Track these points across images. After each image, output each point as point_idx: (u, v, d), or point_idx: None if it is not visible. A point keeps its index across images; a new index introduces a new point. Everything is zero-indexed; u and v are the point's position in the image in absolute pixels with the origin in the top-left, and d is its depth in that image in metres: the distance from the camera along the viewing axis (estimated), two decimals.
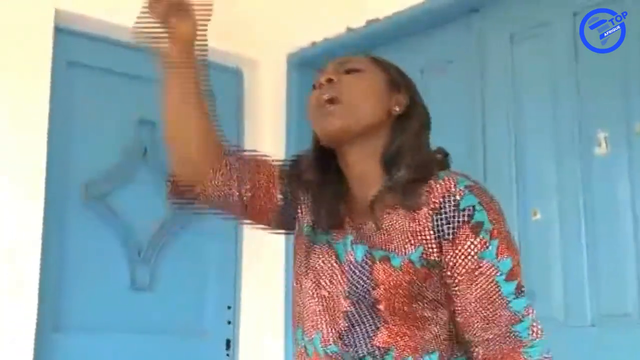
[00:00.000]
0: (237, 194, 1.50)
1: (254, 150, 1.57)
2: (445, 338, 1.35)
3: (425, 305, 1.33)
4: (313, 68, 1.56)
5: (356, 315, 1.34)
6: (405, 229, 1.33)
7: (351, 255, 1.36)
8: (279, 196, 1.52)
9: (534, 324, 1.30)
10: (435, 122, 2.89)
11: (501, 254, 1.29)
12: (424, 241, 1.32)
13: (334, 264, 1.39)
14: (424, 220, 1.32)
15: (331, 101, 1.39)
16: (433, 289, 1.33)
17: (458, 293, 1.31)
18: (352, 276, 1.35)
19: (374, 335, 1.33)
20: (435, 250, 1.32)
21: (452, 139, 2.80)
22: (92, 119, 3.10)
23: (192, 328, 3.23)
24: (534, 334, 1.30)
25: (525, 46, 2.75)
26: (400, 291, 1.31)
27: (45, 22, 2.98)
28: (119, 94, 3.17)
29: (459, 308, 1.32)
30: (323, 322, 1.38)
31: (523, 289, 1.30)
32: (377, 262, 1.32)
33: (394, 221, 1.35)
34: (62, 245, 2.97)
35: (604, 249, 2.43)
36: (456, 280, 1.31)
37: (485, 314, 1.29)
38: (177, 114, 1.46)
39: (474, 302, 1.30)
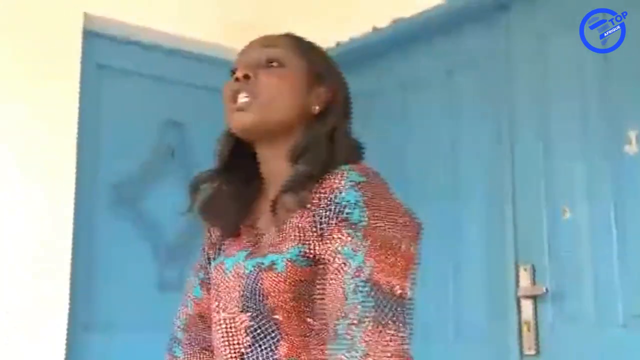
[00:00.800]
0: None
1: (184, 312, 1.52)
2: None
3: (313, 311, 1.24)
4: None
5: (258, 329, 1.26)
6: (294, 228, 1.26)
7: (242, 268, 1.29)
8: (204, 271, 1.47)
9: (364, 333, 1.13)
10: (462, 121, 2.92)
11: (368, 256, 1.17)
12: (305, 238, 1.24)
13: (227, 280, 1.32)
14: (307, 217, 1.25)
15: (244, 97, 1.33)
16: (318, 290, 1.23)
17: (325, 291, 1.21)
18: (244, 288, 1.27)
19: (275, 350, 1.24)
20: (315, 248, 1.23)
21: (479, 138, 2.87)
22: (120, 121, 3.12)
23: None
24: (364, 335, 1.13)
25: (553, 44, 2.71)
26: (290, 295, 1.23)
27: (75, 25, 3.02)
28: (147, 95, 3.20)
29: (326, 305, 1.21)
30: (224, 346, 1.29)
31: (373, 292, 1.15)
32: (264, 270, 1.25)
33: (286, 221, 1.27)
34: (92, 246, 3.00)
35: (635, 248, 2.40)
36: (325, 277, 1.21)
37: (329, 310, 1.20)
38: None
39: (331, 300, 1.19)
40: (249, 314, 1.26)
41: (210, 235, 1.46)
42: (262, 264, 1.25)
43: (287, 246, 1.25)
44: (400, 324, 1.14)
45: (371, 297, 1.14)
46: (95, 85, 3.06)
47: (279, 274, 1.23)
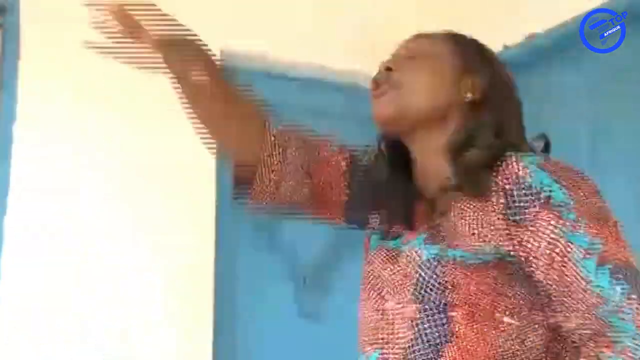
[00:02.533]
0: (299, 180, 1.38)
1: (312, 130, 1.46)
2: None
3: (507, 308, 1.16)
4: None
5: (425, 323, 1.18)
6: (477, 223, 1.19)
7: (419, 254, 1.22)
8: (346, 191, 1.40)
9: (636, 316, 1.08)
10: (605, 137, 2.85)
11: (591, 235, 1.12)
12: (497, 234, 1.17)
13: (400, 270, 1.25)
14: (495, 211, 1.18)
15: (386, 85, 1.30)
16: (513, 285, 1.17)
17: (548, 282, 1.14)
18: (420, 277, 1.19)
19: (441, 351, 1.15)
20: (510, 242, 1.16)
21: (624, 155, 2.83)
22: None
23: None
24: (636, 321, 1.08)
25: None
26: (483, 292, 1.15)
27: None
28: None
29: (551, 298, 1.15)
30: (385, 337, 1.23)
31: (623, 274, 1.10)
32: (452, 261, 1.17)
33: (465, 215, 1.21)
34: (233, 274, 3.08)
35: None
36: (544, 270, 1.14)
37: (566, 300, 1.13)
38: (205, 110, 1.39)
39: (563, 291, 1.12)
40: (419, 305, 1.19)
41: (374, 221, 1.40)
42: (446, 254, 1.19)
43: (475, 241, 1.18)
44: None
45: (622, 278, 1.10)
46: None
47: (473, 268, 1.16)
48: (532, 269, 1.16)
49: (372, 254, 1.33)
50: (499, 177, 1.19)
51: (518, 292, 1.17)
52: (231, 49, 2.97)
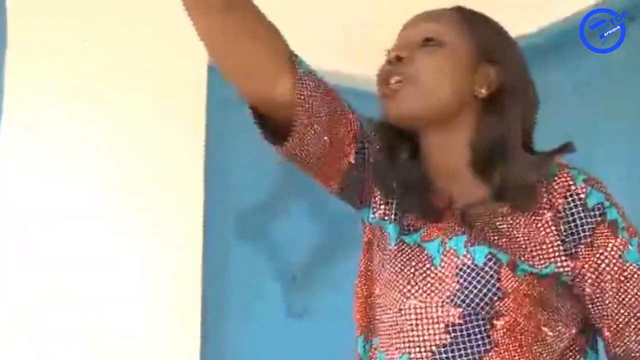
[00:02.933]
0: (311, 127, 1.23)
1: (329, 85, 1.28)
2: None
3: (548, 320, 1.14)
4: None
5: (464, 330, 1.12)
6: (529, 236, 1.15)
7: (467, 258, 1.14)
8: (352, 158, 1.28)
9: None
10: (593, 136, 2.83)
11: (635, 247, 1.14)
12: (554, 253, 1.14)
13: (430, 269, 1.18)
14: (549, 228, 1.14)
15: (398, 82, 1.19)
16: (557, 299, 1.16)
17: (605, 303, 1.13)
18: (465, 282, 1.13)
19: (480, 359, 1.12)
20: (566, 260, 1.14)
21: (611, 154, 2.79)
22: (246, 152, 3.09)
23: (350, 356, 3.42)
24: None
25: None
26: (529, 301, 1.12)
27: (200, 61, 2.92)
28: None
29: (608, 320, 1.14)
30: (412, 339, 1.17)
31: None
32: (503, 266, 1.12)
33: (513, 225, 1.16)
34: (221, 275, 3.06)
35: None
36: (602, 289, 1.13)
37: (630, 321, 1.13)
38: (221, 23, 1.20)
39: (624, 312, 1.13)
40: (463, 310, 1.13)
41: (382, 208, 1.30)
42: (498, 258, 1.13)
43: (530, 255, 1.14)
44: None
45: None
46: (221, 117, 3.06)
47: (523, 279, 1.12)
48: (584, 284, 1.15)
49: (391, 248, 1.23)
50: (549, 194, 1.16)
51: (559, 306, 1.16)
52: None
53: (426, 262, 1.18)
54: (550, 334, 1.14)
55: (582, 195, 1.14)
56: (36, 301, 2.70)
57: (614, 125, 2.83)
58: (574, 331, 1.17)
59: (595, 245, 1.13)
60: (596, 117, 2.91)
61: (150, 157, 2.90)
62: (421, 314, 1.16)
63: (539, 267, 1.13)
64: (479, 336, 1.12)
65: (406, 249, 1.21)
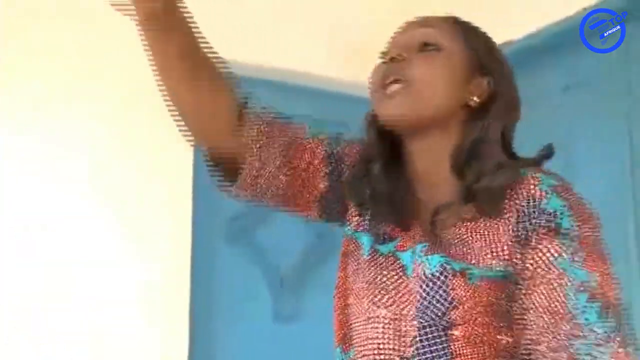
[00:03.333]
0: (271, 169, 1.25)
1: (284, 117, 1.32)
2: None
3: (503, 327, 1.12)
4: None
5: (425, 343, 1.12)
6: (487, 240, 1.14)
7: (423, 266, 1.15)
8: (323, 184, 1.30)
9: (612, 339, 1.05)
10: (580, 140, 2.84)
11: (589, 267, 1.10)
12: (508, 252, 1.13)
13: (402, 278, 1.18)
14: (507, 230, 1.13)
15: (395, 82, 1.19)
16: (510, 305, 1.13)
17: (531, 302, 1.11)
18: (424, 293, 1.13)
19: None
20: (517, 263, 1.12)
21: (599, 157, 2.84)
22: None
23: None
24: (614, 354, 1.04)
25: None
26: (483, 310, 1.11)
27: None
28: None
29: (528, 322, 1.11)
30: (379, 349, 1.17)
31: (612, 311, 1.07)
32: (457, 275, 1.12)
33: (473, 230, 1.16)
34: (210, 278, 3.06)
35: None
36: (529, 289, 1.11)
37: (543, 324, 1.09)
38: (177, 75, 1.25)
39: (545, 315, 1.09)
40: (420, 323, 1.13)
41: (357, 218, 1.30)
42: (452, 267, 1.13)
43: (482, 257, 1.13)
44: (636, 341, 1.08)
45: (611, 316, 1.07)
46: None
47: (476, 285, 1.12)
48: (522, 288, 1.13)
49: (365, 257, 1.24)
50: (515, 198, 1.15)
51: (511, 311, 1.13)
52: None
53: (399, 271, 1.19)
54: (507, 339, 1.12)
55: (541, 200, 1.13)
56: (29, 301, 2.70)
57: (606, 126, 2.84)
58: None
59: (537, 248, 1.12)
60: (589, 118, 2.92)
61: (139, 160, 2.90)
62: (389, 324, 1.16)
63: (492, 267, 1.13)
64: (439, 347, 1.12)
65: (380, 258, 1.22)
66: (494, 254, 1.13)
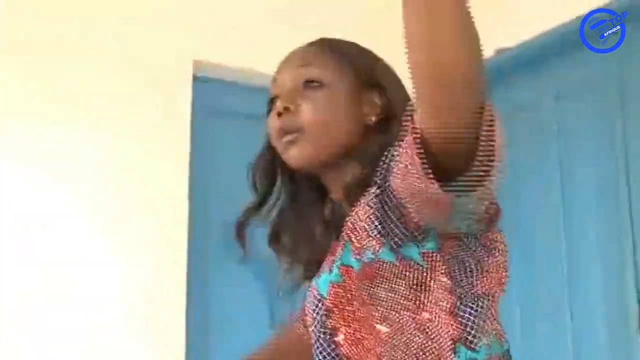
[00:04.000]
0: None
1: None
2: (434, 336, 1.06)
3: (380, 316, 1.08)
4: None
5: (319, 354, 1.14)
6: (354, 226, 1.12)
7: (315, 288, 1.17)
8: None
9: None
10: (573, 148, 2.87)
11: None
12: (350, 232, 1.12)
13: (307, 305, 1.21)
14: (361, 210, 1.11)
15: (290, 131, 1.20)
16: (381, 291, 1.09)
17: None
18: (312, 311, 1.17)
19: None
20: (363, 233, 1.09)
21: (591, 164, 2.86)
22: (230, 162, 3.10)
23: None
24: None
25: None
26: (356, 304, 1.09)
27: (185, 72, 3.00)
28: (255, 136, 3.14)
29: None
30: None
31: None
32: (330, 283, 1.13)
33: (349, 228, 1.14)
34: (205, 286, 3.06)
35: None
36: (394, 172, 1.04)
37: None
38: None
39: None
40: (315, 337, 1.15)
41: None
42: (328, 278, 1.14)
43: (339, 250, 1.14)
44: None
45: None
46: (205, 129, 3.07)
47: (339, 285, 1.11)
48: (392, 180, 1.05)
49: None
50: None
51: (386, 297, 1.08)
52: (204, 60, 3.05)
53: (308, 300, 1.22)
54: (386, 329, 1.07)
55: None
56: (28, 302, 2.69)
57: (598, 134, 2.85)
58: (425, 315, 1.07)
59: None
60: (581, 126, 2.93)
61: (134, 168, 2.90)
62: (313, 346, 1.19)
63: (343, 250, 1.12)
64: (330, 356, 1.12)
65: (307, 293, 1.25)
66: (345, 238, 1.12)
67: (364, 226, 1.09)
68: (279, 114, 1.21)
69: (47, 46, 2.83)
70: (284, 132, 1.21)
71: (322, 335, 1.12)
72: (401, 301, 1.07)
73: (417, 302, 1.07)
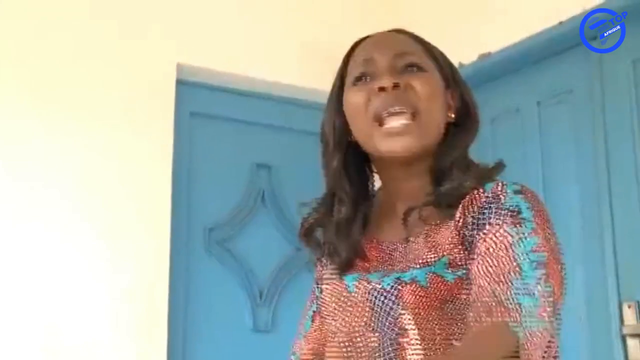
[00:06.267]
0: None
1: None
2: None
3: (456, 332, 1.10)
4: None
5: (381, 352, 1.12)
6: (436, 238, 1.14)
7: (376, 284, 1.15)
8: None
9: (545, 299, 1.03)
10: (556, 152, 2.89)
11: (538, 248, 1.06)
12: (451, 248, 1.12)
13: (352, 298, 1.20)
14: (454, 229, 1.12)
15: (402, 110, 1.17)
16: (463, 310, 1.10)
17: (474, 269, 1.08)
18: (377, 306, 1.14)
19: None
20: (462, 253, 1.11)
21: (573, 170, 2.86)
22: (212, 166, 3.14)
23: None
24: (542, 310, 1.02)
25: None
26: (435, 313, 1.09)
27: (168, 75, 3.01)
28: (238, 140, 3.22)
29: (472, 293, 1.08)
30: None
31: (551, 285, 1.05)
32: (407, 284, 1.11)
33: (428, 234, 1.16)
34: (187, 289, 3.05)
35: None
36: (476, 260, 1.08)
37: (486, 266, 1.06)
38: None
39: (485, 275, 1.05)
40: (378, 334, 1.13)
41: (322, 268, 1.33)
42: (402, 279, 1.12)
43: (430, 258, 1.12)
44: (556, 331, 1.07)
45: (548, 287, 1.05)
46: (188, 132, 3.08)
47: (423, 288, 1.10)
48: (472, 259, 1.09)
49: (326, 288, 1.27)
50: (474, 196, 1.13)
51: (466, 317, 1.09)
52: (187, 64, 3.06)
53: (343, 291, 1.21)
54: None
55: (502, 199, 1.10)
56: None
57: (581, 140, 2.85)
58: None
59: (490, 226, 1.08)
60: (565, 131, 2.94)
61: (117, 171, 2.90)
62: (349, 345, 1.17)
63: (434, 259, 1.12)
64: (392, 355, 1.11)
65: (333, 289, 1.25)
66: (440, 252, 1.12)
67: (454, 238, 1.11)
68: (382, 89, 1.16)
69: (31, 50, 2.83)
70: (394, 110, 1.16)
71: (389, 332, 1.11)
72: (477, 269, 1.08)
73: None
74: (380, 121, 1.17)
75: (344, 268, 1.24)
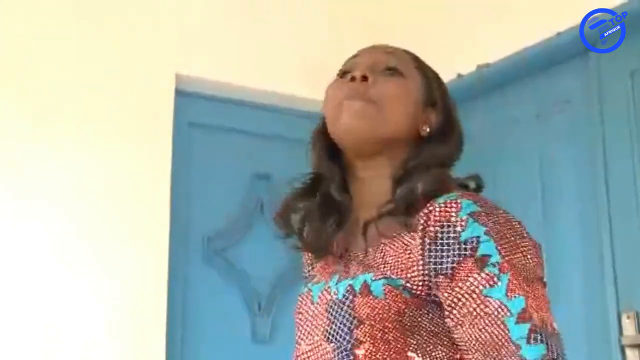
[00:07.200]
0: None
1: None
2: None
3: (413, 344, 1.11)
4: None
5: None
6: (397, 255, 1.14)
7: (334, 294, 1.17)
8: None
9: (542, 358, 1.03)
10: (554, 163, 2.91)
11: (512, 291, 1.05)
12: (409, 273, 1.11)
13: (310, 308, 1.23)
14: (416, 250, 1.12)
15: (361, 98, 1.21)
16: (432, 318, 1.12)
17: (462, 335, 1.08)
18: (334, 316, 1.15)
19: None
20: (421, 285, 1.10)
21: (572, 180, 2.86)
22: (211, 176, 3.15)
23: None
24: None
25: None
26: (390, 326, 1.10)
27: (167, 86, 3.02)
28: (236, 150, 3.23)
29: (465, 351, 1.08)
30: None
31: (541, 335, 1.05)
32: (358, 294, 1.12)
33: (388, 246, 1.16)
34: (186, 298, 3.05)
35: None
36: (458, 322, 1.08)
37: (479, 350, 1.06)
38: None
39: (477, 347, 1.06)
40: (333, 344, 1.14)
41: (308, 263, 1.39)
42: (353, 286, 1.14)
43: (386, 272, 1.13)
44: None
45: (539, 340, 1.04)
46: (186, 142, 3.09)
47: (378, 300, 1.11)
48: (447, 315, 1.10)
49: (299, 299, 1.31)
50: (431, 217, 1.11)
51: (427, 328, 1.11)
52: (186, 74, 3.07)
53: (308, 302, 1.23)
54: (417, 358, 1.10)
55: (457, 228, 1.09)
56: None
57: (581, 152, 2.85)
58: (457, 356, 1.11)
59: (456, 278, 1.08)
60: (563, 144, 2.93)
61: (116, 181, 2.91)
62: (309, 354, 1.19)
63: (394, 277, 1.12)
64: None
65: (301, 298, 1.28)
66: (398, 271, 1.12)
67: (413, 261, 1.12)
68: (353, 79, 1.23)
69: (29, 61, 2.84)
70: (353, 98, 1.22)
71: (344, 343, 1.12)
72: (441, 336, 1.11)
73: (442, 341, 1.12)
74: (341, 106, 1.23)
75: (310, 272, 1.31)
